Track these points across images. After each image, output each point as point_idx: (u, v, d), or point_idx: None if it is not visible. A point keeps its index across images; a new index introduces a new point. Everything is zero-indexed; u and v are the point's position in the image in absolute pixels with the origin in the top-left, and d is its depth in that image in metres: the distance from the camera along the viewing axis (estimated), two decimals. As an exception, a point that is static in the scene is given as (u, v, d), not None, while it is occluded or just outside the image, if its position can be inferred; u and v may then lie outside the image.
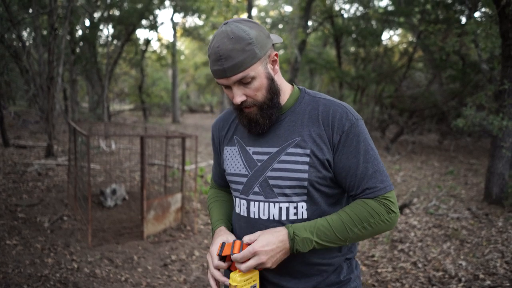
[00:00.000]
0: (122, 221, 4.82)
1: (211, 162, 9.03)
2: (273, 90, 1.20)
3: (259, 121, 1.20)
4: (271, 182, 1.21)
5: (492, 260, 3.76)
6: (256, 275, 1.17)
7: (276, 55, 1.20)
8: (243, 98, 1.17)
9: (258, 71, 1.15)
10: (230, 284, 1.15)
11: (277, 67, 1.22)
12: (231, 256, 1.14)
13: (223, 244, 1.19)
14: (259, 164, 1.23)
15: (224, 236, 1.25)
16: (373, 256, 4.03)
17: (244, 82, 1.15)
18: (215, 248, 1.20)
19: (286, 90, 1.27)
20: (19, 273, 3.29)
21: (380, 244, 4.37)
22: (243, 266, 1.12)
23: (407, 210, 5.49)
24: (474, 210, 5.35)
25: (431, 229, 4.77)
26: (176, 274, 3.60)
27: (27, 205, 5.05)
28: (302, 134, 1.20)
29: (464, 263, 3.72)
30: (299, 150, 1.19)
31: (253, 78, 1.15)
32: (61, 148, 9.53)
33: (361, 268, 3.74)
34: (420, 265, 3.76)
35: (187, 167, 7.82)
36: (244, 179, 1.26)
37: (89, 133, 4.22)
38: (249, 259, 1.12)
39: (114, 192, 5.40)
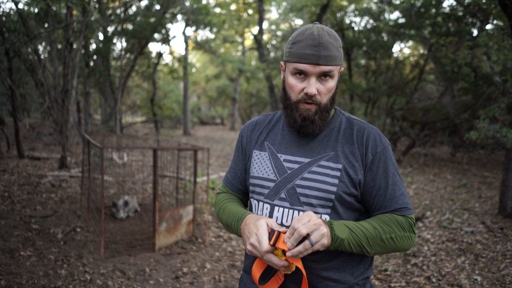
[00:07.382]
0: (134, 233, 4.85)
1: (222, 174, 9.04)
2: (334, 97, 1.26)
3: (316, 120, 1.23)
4: (299, 190, 1.23)
5: (509, 275, 3.69)
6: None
7: (341, 71, 1.27)
8: (316, 91, 1.20)
9: (337, 74, 1.23)
10: (287, 260, 1.11)
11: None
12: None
13: (278, 233, 1.11)
14: (289, 171, 1.26)
15: (264, 218, 1.18)
16: (386, 270, 3.99)
17: (324, 78, 1.20)
18: (265, 238, 1.12)
19: None
20: (32, 284, 3.32)
21: (393, 258, 4.32)
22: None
23: (420, 224, 5.42)
24: (489, 224, 5.27)
25: (444, 243, 4.70)
26: (187, 287, 3.60)
27: (41, 217, 5.11)
28: (336, 150, 1.24)
29: (479, 278, 3.66)
30: (331, 164, 1.23)
31: (332, 77, 1.21)
32: (74, 159, 9.64)
33: (374, 283, 3.70)
34: (434, 280, 3.70)
35: (198, 179, 7.85)
36: (271, 184, 1.27)
37: (103, 145, 4.27)
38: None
39: (126, 204, 5.44)
